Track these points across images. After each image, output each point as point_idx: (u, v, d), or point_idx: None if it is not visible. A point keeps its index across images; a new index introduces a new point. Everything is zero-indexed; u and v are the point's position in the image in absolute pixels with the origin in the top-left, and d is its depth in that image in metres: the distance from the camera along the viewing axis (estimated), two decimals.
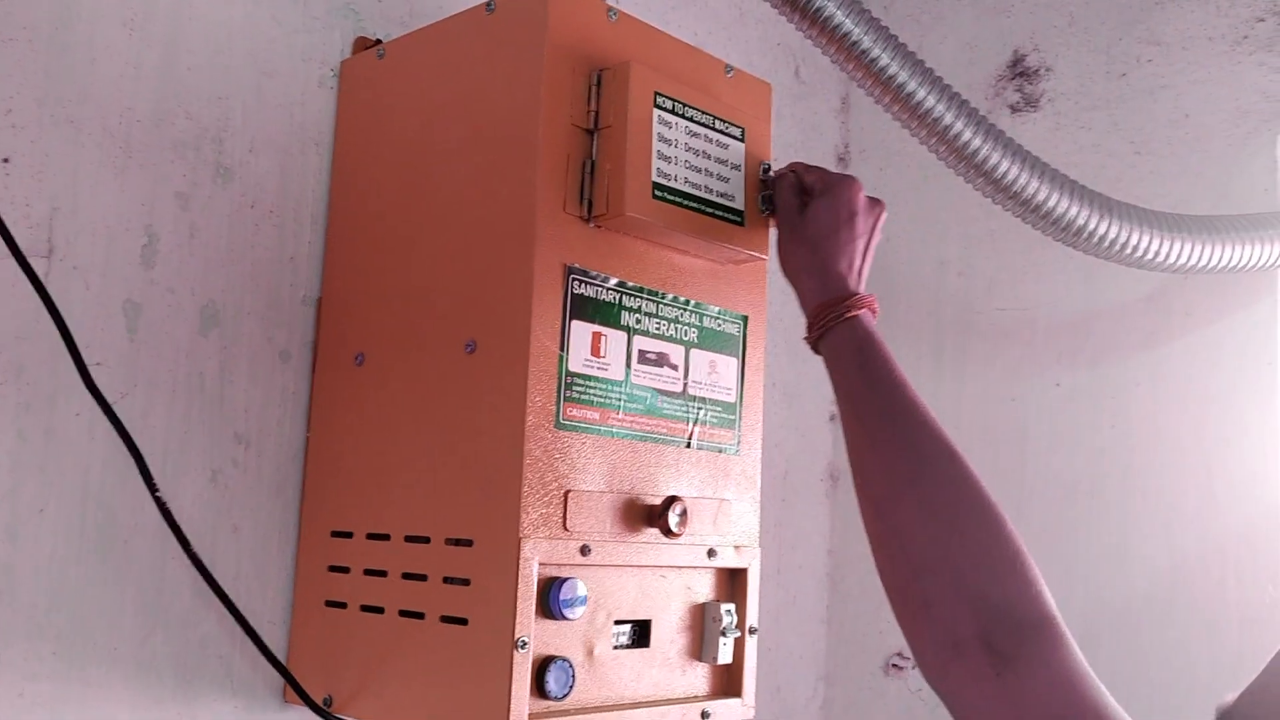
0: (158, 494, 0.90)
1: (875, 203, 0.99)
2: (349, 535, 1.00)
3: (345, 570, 0.99)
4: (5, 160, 0.89)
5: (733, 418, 1.05)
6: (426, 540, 0.93)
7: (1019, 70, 1.52)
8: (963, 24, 1.60)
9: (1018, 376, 1.49)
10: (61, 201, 0.92)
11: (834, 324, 0.89)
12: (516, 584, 0.86)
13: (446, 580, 0.91)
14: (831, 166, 1.69)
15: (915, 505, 0.77)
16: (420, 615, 0.92)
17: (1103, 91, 1.46)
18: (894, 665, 1.55)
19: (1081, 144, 1.45)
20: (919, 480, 0.78)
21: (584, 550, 0.91)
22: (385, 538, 0.97)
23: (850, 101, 1.72)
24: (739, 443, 1.05)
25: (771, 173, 1.02)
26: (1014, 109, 1.52)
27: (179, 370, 0.98)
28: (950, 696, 0.71)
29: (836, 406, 0.88)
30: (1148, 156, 1.42)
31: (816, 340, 0.92)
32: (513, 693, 0.85)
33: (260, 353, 1.04)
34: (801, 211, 0.97)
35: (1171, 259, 1.21)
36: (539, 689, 0.88)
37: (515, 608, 0.86)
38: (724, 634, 1.00)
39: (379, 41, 1.12)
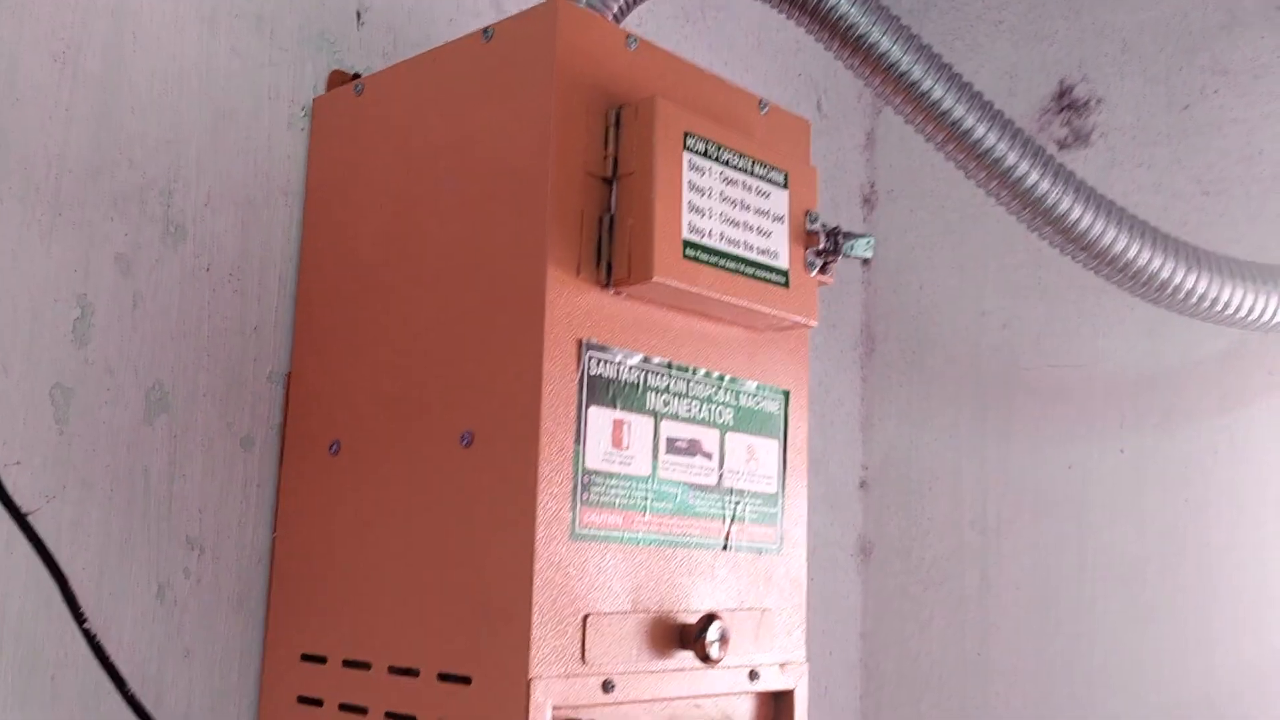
0: (85, 624, 0.74)
1: None
2: (322, 660, 0.83)
3: (318, 703, 0.83)
4: None
5: (774, 510, 0.89)
6: (415, 673, 0.77)
7: (1066, 102, 1.38)
8: (1001, 52, 1.46)
9: (1075, 440, 1.34)
10: None
11: None
12: None
13: None
14: (856, 207, 1.55)
15: None
16: None
17: (1163, 125, 1.32)
18: None
19: (1141, 183, 1.31)
20: None
21: (606, 686, 0.75)
22: (366, 666, 0.80)
23: (876, 137, 1.58)
24: (781, 540, 0.90)
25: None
26: (1062, 144, 1.38)
27: (119, 466, 0.82)
28: None
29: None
30: (1217, 197, 1.27)
31: None
32: None
33: (217, 440, 0.88)
34: None
35: (1257, 314, 1.07)
36: None
37: None
38: None
39: (357, 76, 0.97)
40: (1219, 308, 1.02)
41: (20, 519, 0.72)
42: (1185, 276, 1.00)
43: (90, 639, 0.74)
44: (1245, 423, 1.23)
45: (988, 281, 1.44)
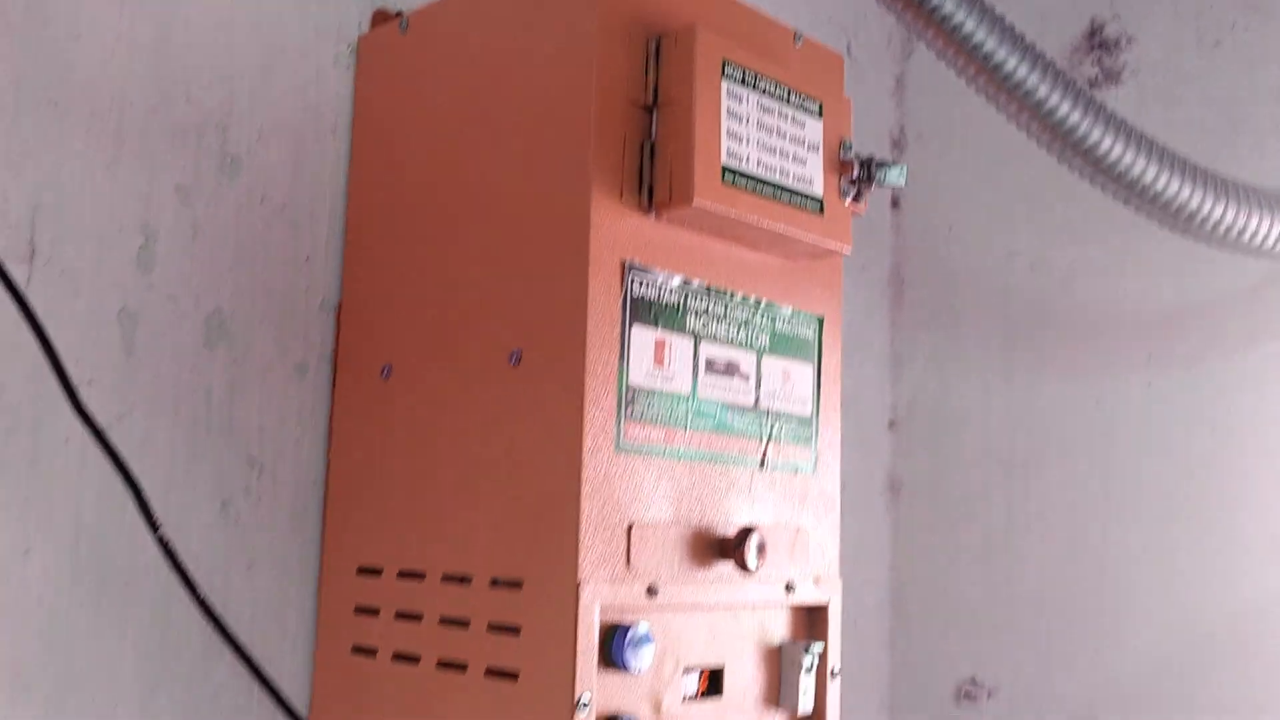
0: (160, 532, 0.78)
1: None
2: (378, 572, 0.88)
3: (374, 612, 0.87)
4: None
5: (809, 433, 0.92)
6: (468, 580, 0.81)
7: (1097, 41, 1.39)
8: None
9: (1103, 378, 1.36)
10: (44, 197, 0.80)
11: None
12: (575, 633, 0.74)
13: (492, 627, 0.79)
14: (885, 150, 1.56)
15: None
16: (462, 667, 0.80)
17: (1193, 63, 1.33)
18: (967, 693, 1.42)
19: (1172, 120, 1.32)
20: None
21: (650, 591, 0.78)
22: (420, 576, 0.84)
23: (905, 81, 1.59)
24: (816, 461, 0.93)
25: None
26: (1093, 83, 1.39)
27: (182, 388, 0.86)
28: None
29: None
30: (1248, 133, 1.28)
31: None
32: None
33: (274, 366, 0.92)
34: None
35: None
36: None
37: (574, 661, 0.73)
38: (806, 673, 0.88)
39: (400, 14, 0.99)
40: (1246, 237, 1.04)
41: (97, 432, 0.76)
42: (1214, 206, 1.02)
43: (164, 546, 0.78)
44: (1273, 355, 1.25)
45: (1016, 223, 1.45)
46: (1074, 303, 1.39)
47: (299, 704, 0.90)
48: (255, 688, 0.85)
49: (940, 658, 1.45)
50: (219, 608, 0.83)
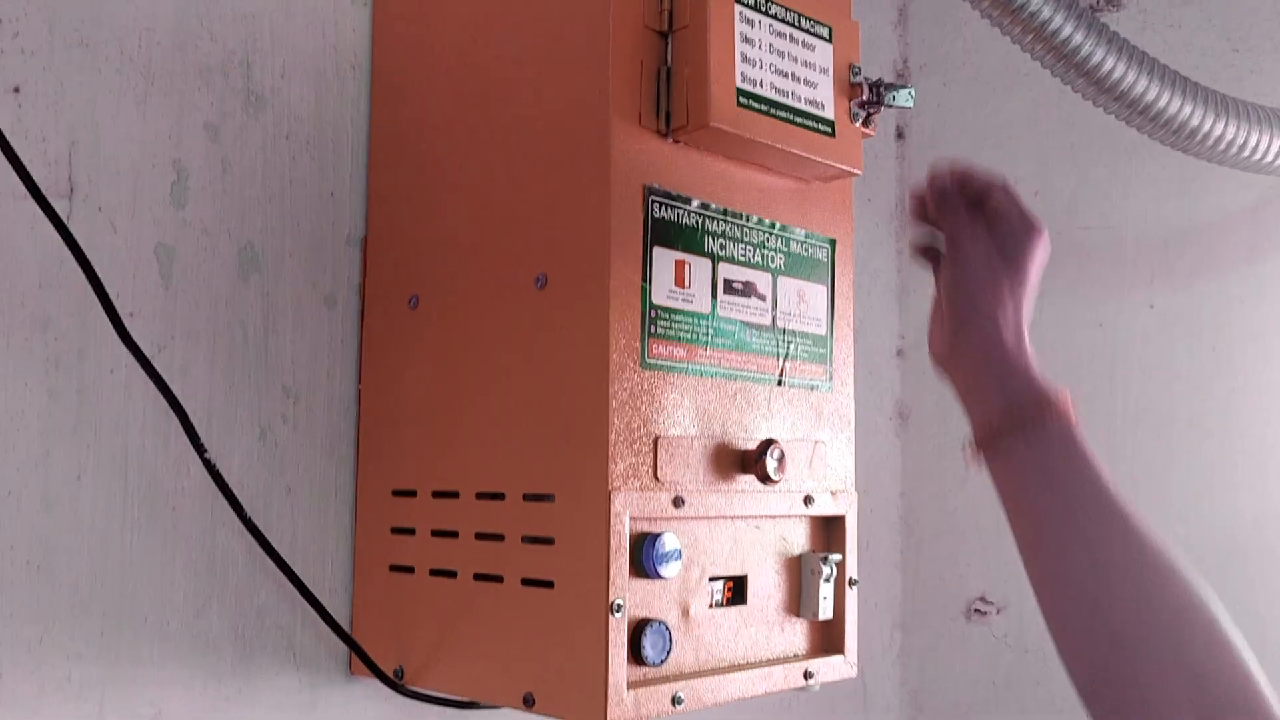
0: (206, 455, 0.82)
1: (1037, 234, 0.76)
2: (412, 494, 0.91)
3: (410, 532, 0.91)
4: (15, 90, 0.80)
5: (824, 351, 0.95)
6: (501, 496, 0.85)
7: None
8: None
9: (1106, 300, 1.38)
10: (80, 135, 0.83)
11: (1023, 429, 0.70)
12: (608, 542, 0.77)
13: (526, 540, 0.82)
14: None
15: (1117, 633, 0.64)
16: (499, 579, 0.84)
17: None
18: (976, 610, 1.47)
19: (1171, 43, 1.33)
20: (1126, 610, 0.65)
21: (677, 502, 0.82)
22: (454, 495, 0.88)
23: (908, 13, 1.60)
24: (831, 378, 0.96)
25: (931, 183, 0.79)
26: (1094, 7, 1.40)
27: (219, 320, 0.89)
28: None
29: (1011, 514, 0.71)
30: (1247, 54, 1.30)
31: (993, 443, 0.72)
32: (609, 661, 0.76)
33: (305, 298, 0.95)
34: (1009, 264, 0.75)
35: None
36: (635, 655, 0.79)
37: (608, 568, 0.77)
38: (825, 582, 0.92)
39: None
40: (1246, 153, 1.06)
41: (145, 361, 0.79)
42: (1215, 123, 1.04)
43: (210, 468, 0.82)
44: (1273, 271, 1.28)
45: (1020, 150, 1.47)
46: (1077, 227, 1.41)
47: (342, 619, 0.94)
48: (300, 604, 0.89)
49: (950, 577, 1.50)
50: (262, 529, 0.86)
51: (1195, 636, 0.63)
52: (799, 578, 0.93)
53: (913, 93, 0.92)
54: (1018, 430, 0.70)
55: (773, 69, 0.86)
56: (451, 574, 0.87)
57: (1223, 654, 0.63)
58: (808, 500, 0.92)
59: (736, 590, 0.89)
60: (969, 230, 0.76)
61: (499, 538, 0.84)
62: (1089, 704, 0.66)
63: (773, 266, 0.91)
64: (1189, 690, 0.61)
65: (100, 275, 0.78)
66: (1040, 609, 0.68)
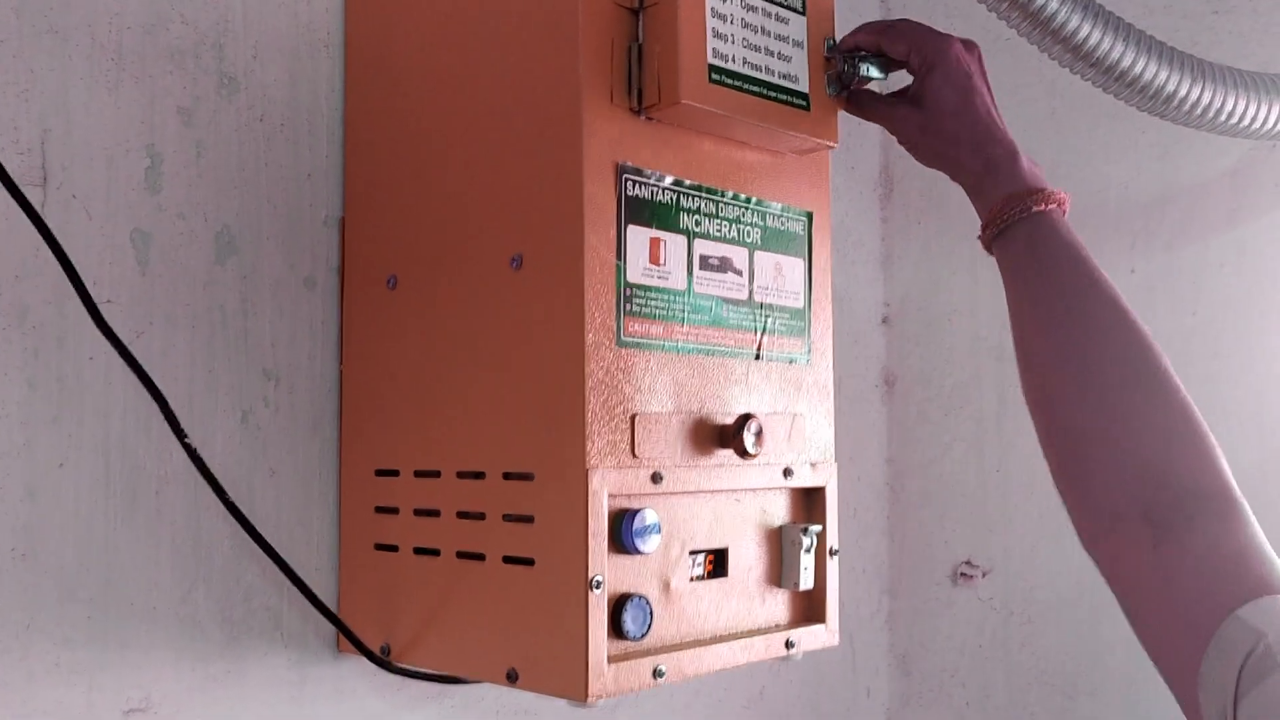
0: (187, 440, 0.82)
1: (971, 46, 0.90)
2: (395, 474, 0.92)
3: (394, 511, 0.92)
4: None
5: (802, 324, 0.96)
6: (481, 475, 0.85)
7: None
8: None
9: None
10: (52, 122, 0.82)
11: (1017, 219, 0.83)
12: (586, 519, 0.78)
13: (507, 518, 0.83)
14: None
15: (1079, 372, 0.73)
16: (480, 556, 0.85)
17: None
18: (963, 574, 1.48)
19: (1151, 5, 1.33)
20: (1087, 349, 0.73)
21: (655, 478, 0.83)
22: (435, 475, 0.89)
23: None
24: (809, 351, 0.96)
25: (839, 47, 0.91)
26: None
27: (197, 304, 0.90)
28: (1104, 563, 0.68)
29: (1009, 300, 0.82)
30: (1226, 16, 1.30)
31: (993, 238, 0.85)
32: (590, 636, 0.77)
33: (283, 281, 0.95)
34: (915, 97, 0.89)
35: (1260, 122, 1.10)
36: (616, 630, 0.81)
37: (587, 545, 0.78)
38: (806, 553, 0.93)
39: None
40: (1223, 117, 1.06)
41: (122, 348, 0.79)
42: (1191, 88, 1.04)
43: (191, 453, 0.82)
44: (1253, 235, 1.28)
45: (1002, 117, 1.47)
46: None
47: (328, 598, 0.95)
48: (286, 585, 0.90)
49: (937, 542, 1.51)
50: (246, 512, 0.87)
51: (1136, 409, 0.69)
52: (780, 549, 0.94)
53: (887, 63, 0.92)
54: (1019, 217, 0.82)
55: (745, 43, 0.86)
56: (435, 552, 0.88)
57: (1167, 426, 0.68)
58: (787, 472, 0.93)
59: (717, 563, 0.90)
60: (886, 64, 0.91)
61: (480, 516, 0.85)
62: (1056, 480, 0.73)
63: (749, 241, 0.92)
64: (1137, 485, 0.67)
65: (76, 263, 0.79)
66: (1025, 397, 0.77)
